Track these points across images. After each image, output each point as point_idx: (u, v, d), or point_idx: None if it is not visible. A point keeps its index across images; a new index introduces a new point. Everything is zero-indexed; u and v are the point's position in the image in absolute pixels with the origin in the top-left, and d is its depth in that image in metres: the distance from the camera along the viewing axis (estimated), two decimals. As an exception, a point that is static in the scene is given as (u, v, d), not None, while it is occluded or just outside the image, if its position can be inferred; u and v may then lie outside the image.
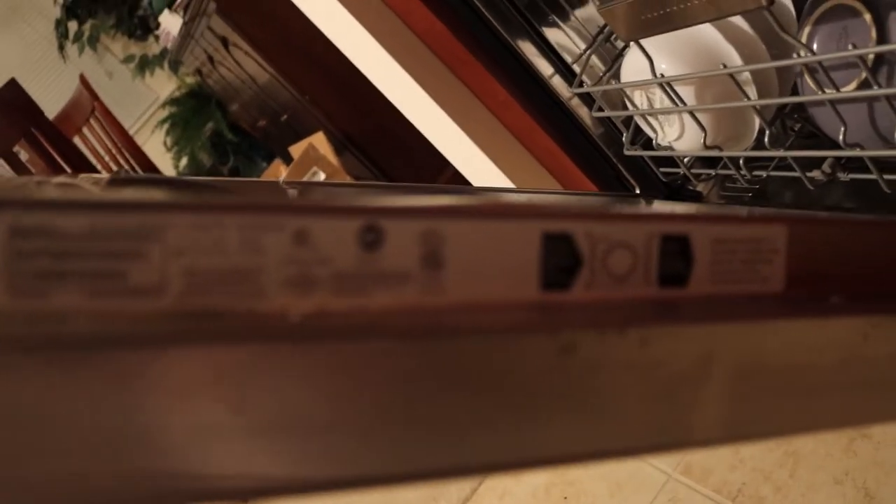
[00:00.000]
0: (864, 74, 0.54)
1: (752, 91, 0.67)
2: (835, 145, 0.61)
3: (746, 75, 0.67)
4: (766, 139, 0.67)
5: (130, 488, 0.22)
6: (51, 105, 2.47)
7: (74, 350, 0.22)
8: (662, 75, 0.69)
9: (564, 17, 0.87)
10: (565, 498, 1.07)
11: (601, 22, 0.81)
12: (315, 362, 0.23)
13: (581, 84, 0.82)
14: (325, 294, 0.24)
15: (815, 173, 0.67)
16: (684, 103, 0.70)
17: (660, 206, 0.82)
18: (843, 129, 0.58)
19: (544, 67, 0.87)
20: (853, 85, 0.59)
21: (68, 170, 1.97)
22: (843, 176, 0.66)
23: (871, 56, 0.56)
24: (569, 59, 0.86)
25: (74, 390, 0.21)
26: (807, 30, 0.62)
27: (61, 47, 3.93)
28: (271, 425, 0.23)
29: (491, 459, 0.25)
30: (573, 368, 0.24)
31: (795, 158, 0.66)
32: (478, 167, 1.00)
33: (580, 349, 0.24)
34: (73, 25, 3.91)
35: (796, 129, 0.77)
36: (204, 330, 0.23)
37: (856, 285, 0.31)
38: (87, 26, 3.91)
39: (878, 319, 0.29)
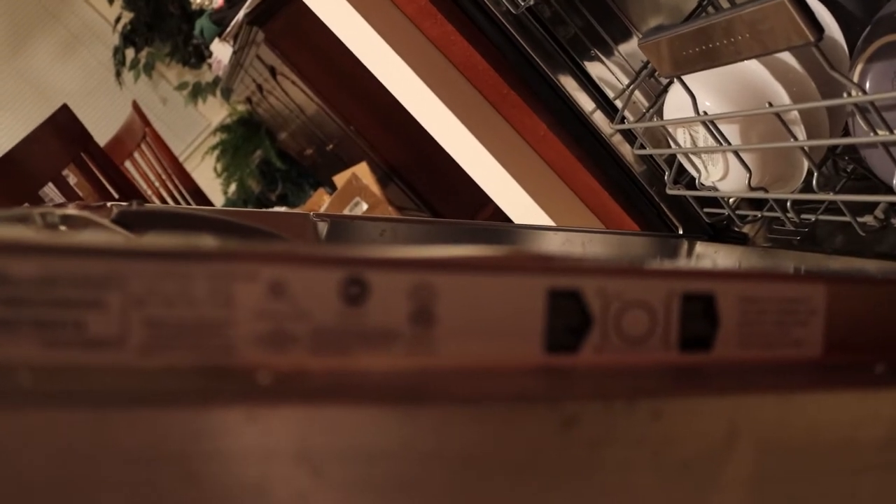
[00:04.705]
0: (919, 116, 0.50)
1: (799, 131, 0.63)
2: (889, 189, 0.57)
3: (794, 114, 0.63)
4: (814, 181, 0.64)
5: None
6: (105, 129, 2.52)
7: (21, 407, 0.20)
8: (706, 113, 0.66)
9: (607, 51, 0.85)
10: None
11: (645, 57, 0.78)
12: (287, 427, 0.21)
13: (623, 120, 0.79)
14: (302, 352, 0.22)
15: (868, 219, 0.63)
16: (728, 142, 0.66)
17: (701, 248, 0.79)
18: (896, 173, 0.55)
19: (585, 102, 0.85)
20: (908, 127, 0.55)
21: (115, 195, 2.00)
22: (898, 222, 0.62)
23: (928, 97, 0.52)
24: (611, 95, 0.84)
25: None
26: (859, 67, 0.58)
27: (118, 74, 4.02)
28: (228, 499, 0.20)
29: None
30: (576, 443, 0.21)
31: (845, 203, 0.63)
32: (517, 203, 0.98)
33: (584, 422, 0.21)
34: (130, 53, 3.99)
35: (848, 170, 0.74)
36: (162, 390, 0.21)
37: (904, 353, 0.28)
38: (143, 54, 3.99)
39: (929, 392, 0.26)
